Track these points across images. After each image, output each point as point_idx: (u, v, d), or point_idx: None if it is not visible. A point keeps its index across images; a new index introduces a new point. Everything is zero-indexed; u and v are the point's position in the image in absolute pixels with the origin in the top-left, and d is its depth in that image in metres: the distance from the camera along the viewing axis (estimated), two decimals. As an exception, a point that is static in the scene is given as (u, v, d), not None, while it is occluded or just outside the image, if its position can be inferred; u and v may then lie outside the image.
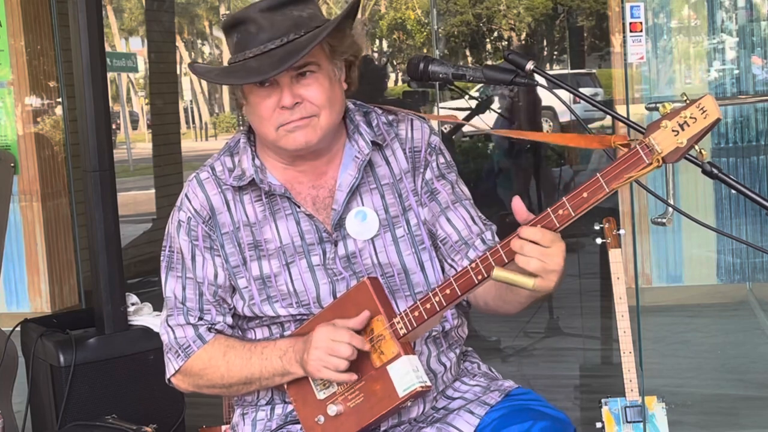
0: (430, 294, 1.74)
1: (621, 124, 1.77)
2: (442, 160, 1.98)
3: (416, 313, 1.75)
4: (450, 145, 7.29)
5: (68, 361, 3.15)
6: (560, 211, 1.59)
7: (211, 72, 1.92)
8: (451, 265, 1.94)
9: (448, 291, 1.72)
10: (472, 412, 1.87)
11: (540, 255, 1.61)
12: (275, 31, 1.79)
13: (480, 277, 1.67)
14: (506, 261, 1.65)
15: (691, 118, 1.50)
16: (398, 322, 1.76)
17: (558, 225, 1.60)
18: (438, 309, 1.73)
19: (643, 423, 2.97)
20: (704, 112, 1.49)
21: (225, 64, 1.90)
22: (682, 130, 1.50)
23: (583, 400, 4.09)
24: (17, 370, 3.44)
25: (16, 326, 3.47)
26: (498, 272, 1.64)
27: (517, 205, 1.65)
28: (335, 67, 1.87)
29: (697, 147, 1.53)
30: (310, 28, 1.81)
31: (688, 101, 1.51)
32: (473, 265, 1.68)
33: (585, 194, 1.57)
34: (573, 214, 1.59)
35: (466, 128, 9.28)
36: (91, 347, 3.23)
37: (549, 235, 1.61)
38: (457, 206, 1.95)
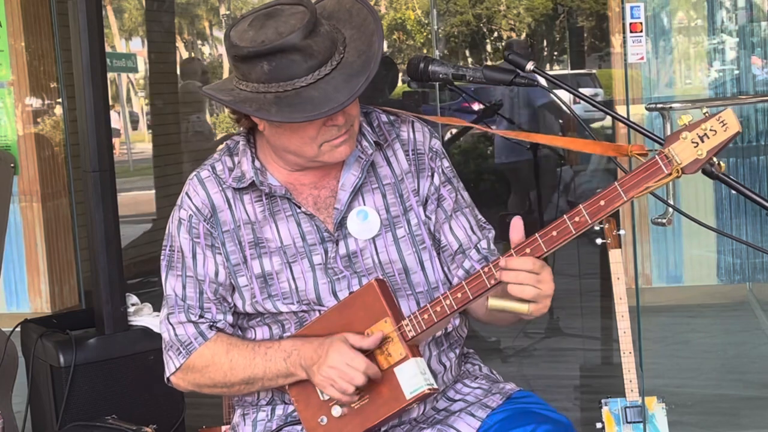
0: (441, 297, 1.74)
1: (621, 124, 1.77)
2: (446, 164, 1.99)
3: (425, 316, 1.75)
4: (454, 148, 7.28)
5: (68, 362, 3.15)
6: (576, 218, 1.61)
7: (264, 109, 1.75)
8: (446, 273, 1.95)
9: (459, 294, 1.72)
10: (473, 415, 1.87)
11: (535, 282, 1.64)
12: (324, 54, 1.74)
13: (493, 281, 1.68)
14: None
15: (711, 130, 1.52)
16: (407, 325, 1.76)
17: (574, 232, 1.62)
18: (448, 312, 1.73)
19: (643, 423, 2.97)
20: (724, 125, 1.51)
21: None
22: (702, 141, 1.53)
23: (583, 400, 4.09)
24: (17, 370, 3.44)
25: (16, 326, 3.46)
26: (493, 301, 1.66)
27: (516, 224, 1.67)
28: None
29: (715, 159, 1.56)
30: (341, 41, 1.79)
31: (708, 114, 1.53)
32: (486, 269, 1.69)
33: (602, 202, 1.59)
34: (589, 221, 1.60)
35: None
36: (91, 347, 3.23)
37: (538, 262, 1.64)
38: (459, 214, 1.97)
